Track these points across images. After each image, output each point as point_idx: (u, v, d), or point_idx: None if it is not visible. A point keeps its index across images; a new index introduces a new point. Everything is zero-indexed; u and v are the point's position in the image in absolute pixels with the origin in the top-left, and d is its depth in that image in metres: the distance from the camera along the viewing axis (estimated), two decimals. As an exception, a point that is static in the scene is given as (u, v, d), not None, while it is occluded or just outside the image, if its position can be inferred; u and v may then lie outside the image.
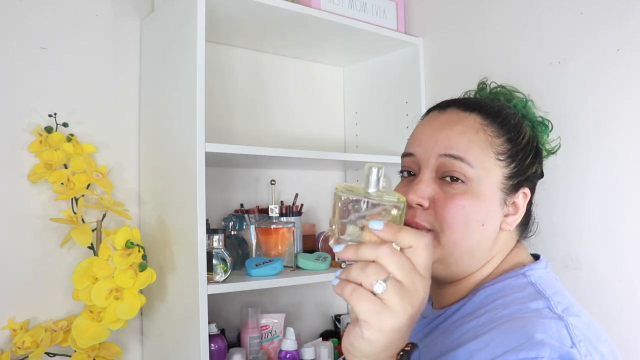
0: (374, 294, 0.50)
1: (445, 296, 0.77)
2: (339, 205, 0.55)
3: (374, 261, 0.51)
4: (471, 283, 0.75)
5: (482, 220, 0.71)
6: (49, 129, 1.30)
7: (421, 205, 0.72)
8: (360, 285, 0.51)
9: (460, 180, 0.71)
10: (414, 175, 0.77)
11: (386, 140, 1.76)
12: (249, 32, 1.55)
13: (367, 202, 0.53)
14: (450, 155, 0.72)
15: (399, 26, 1.70)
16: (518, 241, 0.79)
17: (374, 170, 0.55)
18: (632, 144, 1.17)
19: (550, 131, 0.84)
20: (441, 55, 1.63)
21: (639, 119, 1.17)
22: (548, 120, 0.84)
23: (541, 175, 0.81)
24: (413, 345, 0.53)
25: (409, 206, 0.73)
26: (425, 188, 0.72)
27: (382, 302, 0.50)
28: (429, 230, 0.71)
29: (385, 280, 0.50)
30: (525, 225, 0.79)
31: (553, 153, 0.85)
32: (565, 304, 0.66)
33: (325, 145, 1.86)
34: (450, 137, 0.73)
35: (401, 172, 0.80)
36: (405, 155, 0.79)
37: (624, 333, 1.14)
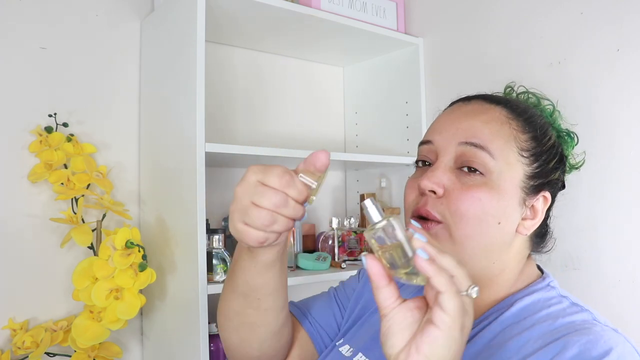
0: (467, 295, 0.50)
1: None
2: (375, 245, 0.54)
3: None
4: (495, 294, 0.71)
5: (498, 217, 0.67)
6: (49, 129, 1.29)
7: (434, 193, 0.68)
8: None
9: (479, 172, 0.67)
10: (430, 165, 0.73)
11: (386, 140, 1.76)
12: (249, 32, 1.55)
13: (380, 231, 0.52)
14: (472, 144, 0.68)
15: (399, 26, 1.70)
16: (529, 254, 0.75)
17: (368, 203, 0.53)
18: (632, 143, 1.17)
19: (576, 144, 0.79)
20: (441, 55, 1.63)
21: (639, 119, 1.17)
22: (574, 133, 0.79)
23: (562, 186, 0.77)
24: None
25: (422, 194, 0.69)
26: (441, 175, 0.68)
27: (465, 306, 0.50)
28: (439, 222, 0.67)
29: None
30: (541, 237, 0.76)
31: (577, 168, 0.80)
32: (602, 316, 0.66)
33: (325, 145, 1.86)
34: (473, 125, 0.69)
35: (416, 162, 0.75)
36: (422, 143, 0.74)
37: (624, 333, 1.14)
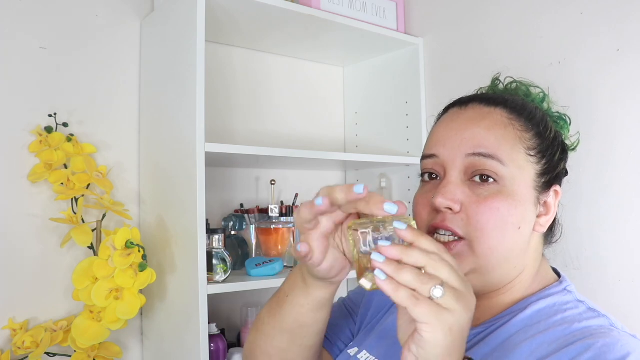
0: (431, 298, 0.50)
1: (483, 310, 0.70)
2: (359, 239, 0.56)
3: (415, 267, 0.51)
4: (511, 296, 0.70)
5: (518, 223, 0.66)
6: (49, 129, 1.30)
7: (451, 209, 0.66)
8: (414, 290, 0.50)
9: (492, 180, 0.66)
10: (437, 178, 0.70)
11: (386, 140, 1.76)
12: (249, 32, 1.55)
13: (382, 226, 0.55)
14: (480, 154, 0.66)
15: (399, 26, 1.70)
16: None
17: None
18: (632, 143, 1.18)
19: (570, 126, 0.78)
20: (441, 55, 1.63)
21: (639, 119, 1.17)
22: (566, 115, 0.78)
23: (566, 173, 0.76)
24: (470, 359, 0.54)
25: (437, 211, 0.67)
26: (455, 190, 0.66)
27: (441, 306, 0.50)
28: (461, 238, 0.66)
29: (441, 285, 0.50)
30: (550, 229, 0.75)
31: (573, 149, 0.78)
32: (619, 322, 0.65)
33: (325, 145, 1.86)
34: (477, 134, 0.67)
35: (422, 175, 0.73)
36: (426, 157, 0.71)
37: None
